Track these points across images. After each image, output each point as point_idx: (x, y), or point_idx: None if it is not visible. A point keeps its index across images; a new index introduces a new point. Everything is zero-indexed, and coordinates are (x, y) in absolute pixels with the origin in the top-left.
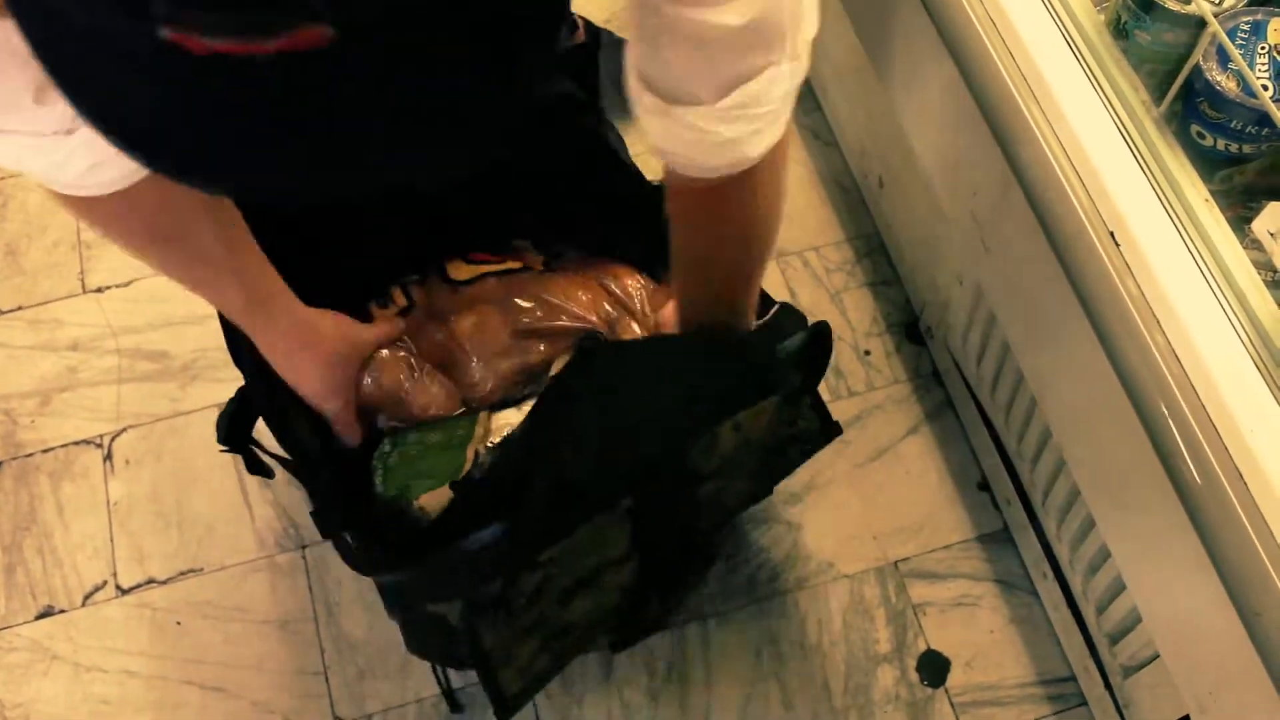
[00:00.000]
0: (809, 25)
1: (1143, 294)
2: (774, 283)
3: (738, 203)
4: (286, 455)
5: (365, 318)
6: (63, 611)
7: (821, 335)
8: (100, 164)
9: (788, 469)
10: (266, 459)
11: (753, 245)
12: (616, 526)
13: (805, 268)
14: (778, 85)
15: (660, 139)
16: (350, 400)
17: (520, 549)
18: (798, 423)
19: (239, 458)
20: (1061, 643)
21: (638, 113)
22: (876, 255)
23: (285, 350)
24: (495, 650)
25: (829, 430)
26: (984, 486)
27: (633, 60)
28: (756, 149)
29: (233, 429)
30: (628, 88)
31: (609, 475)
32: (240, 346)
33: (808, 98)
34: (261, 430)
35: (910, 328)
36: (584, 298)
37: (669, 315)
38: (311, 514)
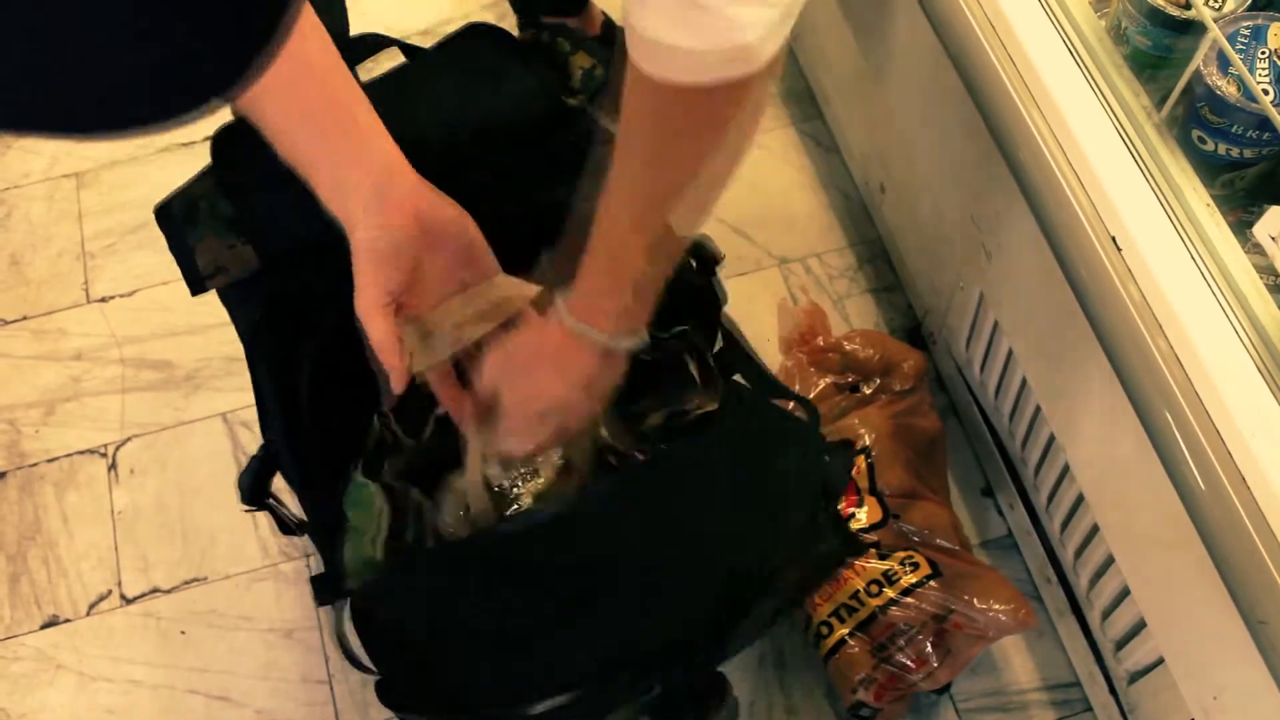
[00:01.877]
0: None
1: (1145, 299)
2: (777, 289)
3: (729, 109)
4: (304, 518)
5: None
6: (68, 621)
7: (848, 460)
8: None
9: (808, 593)
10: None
11: (715, 184)
12: (640, 710)
13: (808, 274)
14: None
15: (654, 31)
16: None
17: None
18: (820, 547)
19: (242, 462)
20: (1066, 648)
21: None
22: (879, 261)
23: (357, 184)
24: None
25: (854, 549)
26: (988, 492)
27: None
28: (765, 50)
29: (254, 488)
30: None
31: (643, 663)
32: (268, 407)
33: (809, 104)
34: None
35: (913, 333)
36: None
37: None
38: (311, 579)
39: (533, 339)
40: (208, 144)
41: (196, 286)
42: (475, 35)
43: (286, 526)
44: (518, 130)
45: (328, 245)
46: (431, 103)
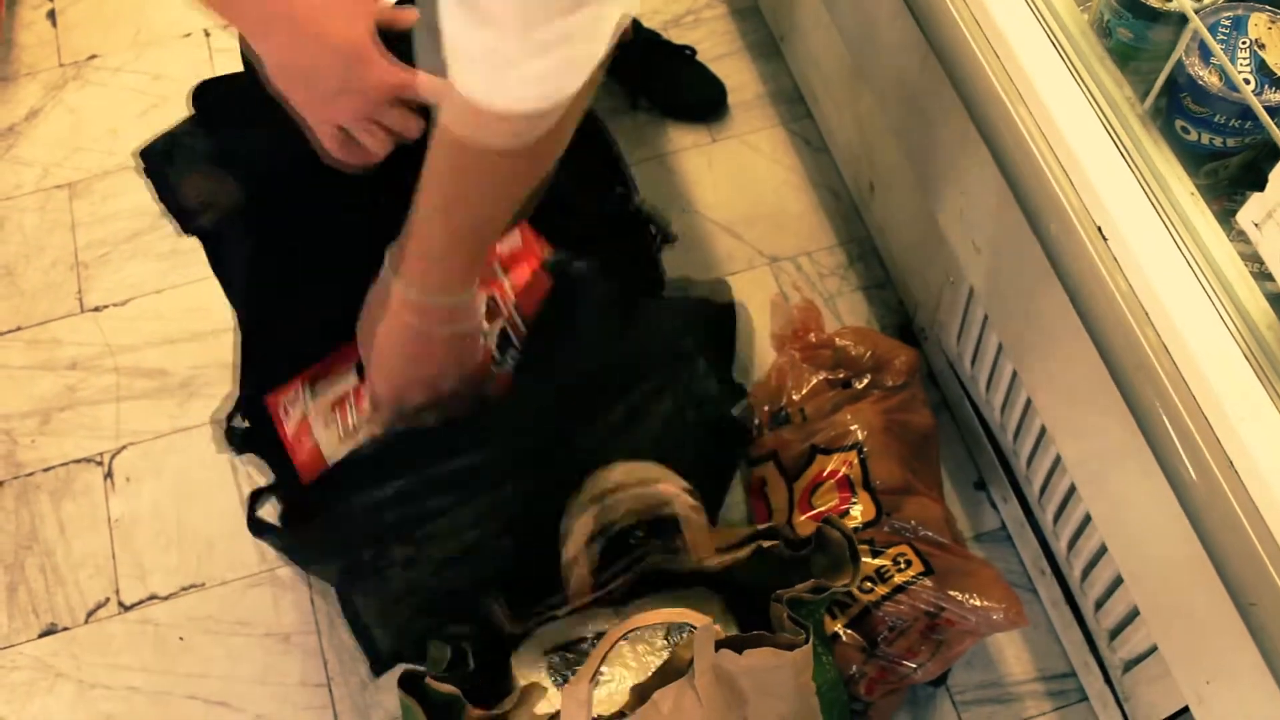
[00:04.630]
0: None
1: (1132, 289)
2: (768, 288)
3: (523, 164)
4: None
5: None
6: (66, 629)
7: (727, 310)
8: None
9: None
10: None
11: (524, 198)
12: (496, 508)
13: (799, 272)
14: (604, 22)
15: (461, 67)
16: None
17: (392, 523)
18: (699, 393)
19: (237, 474)
20: (1061, 639)
21: (447, 41)
22: (869, 259)
23: None
24: (366, 612)
25: (736, 394)
26: (981, 485)
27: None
28: (558, 89)
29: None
30: (442, 12)
31: (497, 458)
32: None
33: (798, 104)
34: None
35: (904, 330)
36: None
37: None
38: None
39: (376, 305)
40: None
41: (186, 221)
42: None
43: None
44: None
45: (307, 175)
46: None
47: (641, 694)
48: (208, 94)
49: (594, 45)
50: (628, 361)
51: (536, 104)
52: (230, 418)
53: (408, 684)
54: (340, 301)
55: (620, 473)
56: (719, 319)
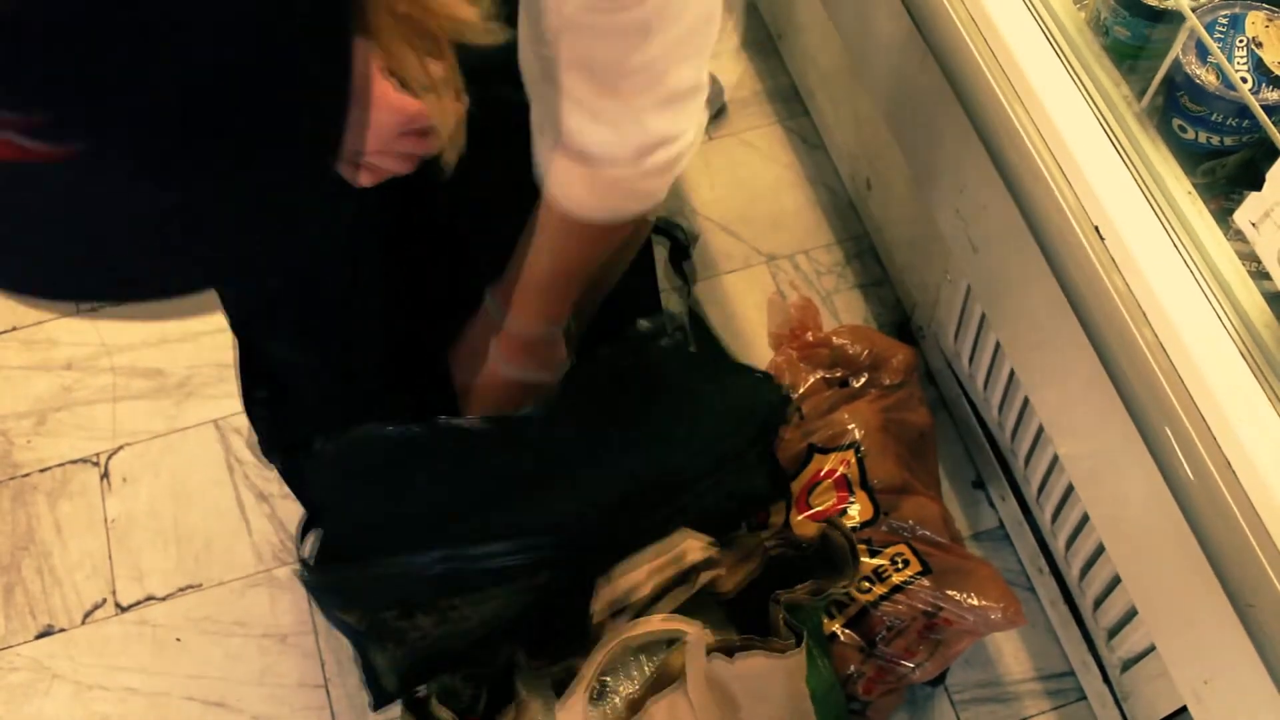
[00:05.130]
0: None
1: (1129, 288)
2: (765, 286)
3: (628, 229)
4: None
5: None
6: (63, 630)
7: (783, 403)
8: None
9: (728, 528)
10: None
11: (625, 260)
12: (530, 591)
13: (796, 270)
14: (690, 147)
15: (579, 195)
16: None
17: (423, 594)
18: (741, 479)
19: (234, 474)
20: (1060, 638)
21: (541, 166)
22: (866, 257)
23: None
24: (377, 658)
25: (776, 493)
26: (979, 484)
27: (542, 120)
28: (663, 193)
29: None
30: (535, 145)
31: (542, 551)
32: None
33: (795, 102)
34: None
35: (901, 328)
36: None
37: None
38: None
39: (476, 337)
40: None
41: None
42: None
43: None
44: (494, 75)
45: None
46: None
47: (633, 704)
48: None
49: (692, 137)
50: (684, 472)
51: (639, 210)
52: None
53: (412, 704)
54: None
55: (650, 556)
56: (771, 416)
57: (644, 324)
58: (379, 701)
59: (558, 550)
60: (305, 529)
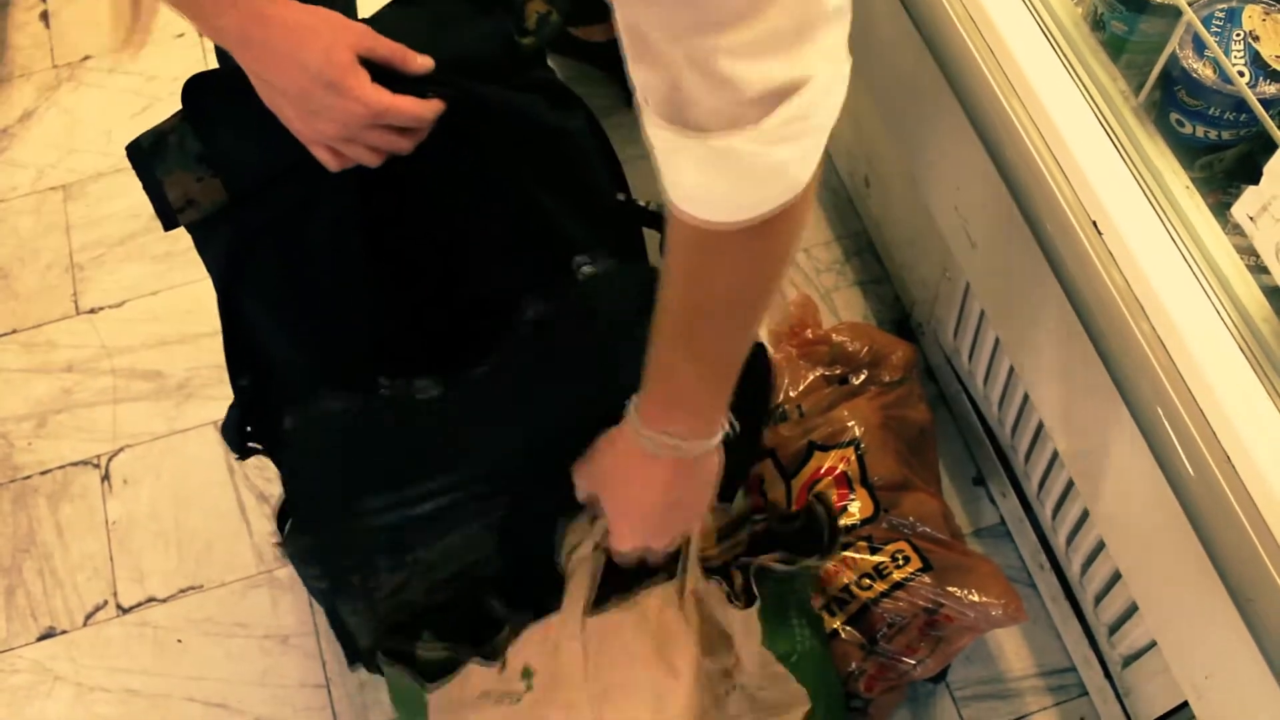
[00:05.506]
0: (835, 24)
1: (1127, 283)
2: None
3: (773, 241)
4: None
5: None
6: (64, 632)
7: (765, 369)
8: None
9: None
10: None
11: (767, 295)
12: (488, 529)
13: (795, 268)
14: (831, 94)
15: (692, 179)
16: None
17: (380, 548)
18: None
19: (235, 475)
20: (1061, 634)
21: (656, 153)
22: (865, 254)
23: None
24: (352, 621)
25: (755, 449)
26: (979, 481)
27: (646, 92)
28: (807, 171)
29: (239, 437)
30: (644, 124)
31: (485, 482)
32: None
33: None
34: None
35: (901, 325)
36: None
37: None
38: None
39: (617, 456)
40: None
41: (168, 221)
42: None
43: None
44: (474, 71)
45: (292, 178)
46: None
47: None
48: (198, 89)
49: (828, 80)
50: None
51: (778, 201)
52: (229, 422)
53: (392, 654)
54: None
55: None
56: (757, 380)
57: (585, 269)
58: (354, 661)
59: (506, 485)
60: (282, 510)
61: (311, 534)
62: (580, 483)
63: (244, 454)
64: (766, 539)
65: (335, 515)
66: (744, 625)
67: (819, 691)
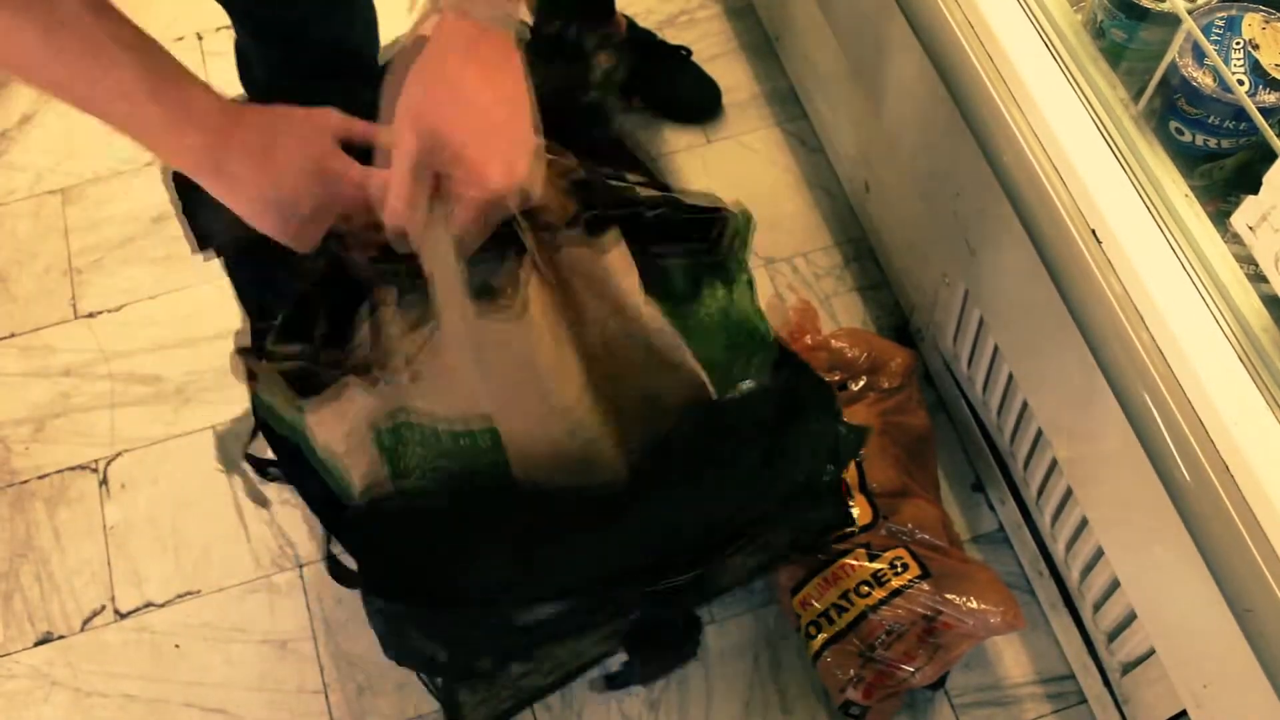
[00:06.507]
0: None
1: (1126, 291)
2: (764, 289)
3: None
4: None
5: None
6: (61, 637)
7: (859, 437)
8: None
9: (788, 559)
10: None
11: None
12: (613, 634)
13: (794, 273)
14: None
15: None
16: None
17: (523, 646)
18: (815, 515)
19: (233, 479)
20: (1060, 641)
21: None
22: (865, 259)
23: (207, 147)
24: (467, 705)
25: (845, 520)
26: (978, 487)
27: None
28: None
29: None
30: None
31: (633, 588)
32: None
33: (793, 105)
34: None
35: (900, 330)
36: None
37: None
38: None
39: (441, 47)
40: None
41: (203, 243)
42: None
43: (255, 493)
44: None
45: None
46: None
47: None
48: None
49: None
50: (767, 511)
51: None
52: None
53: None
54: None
55: None
56: (851, 445)
57: (747, 385)
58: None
59: (639, 593)
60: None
61: (446, 616)
62: (401, 130)
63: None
64: (659, 226)
65: (478, 608)
66: (617, 265)
67: (728, 359)
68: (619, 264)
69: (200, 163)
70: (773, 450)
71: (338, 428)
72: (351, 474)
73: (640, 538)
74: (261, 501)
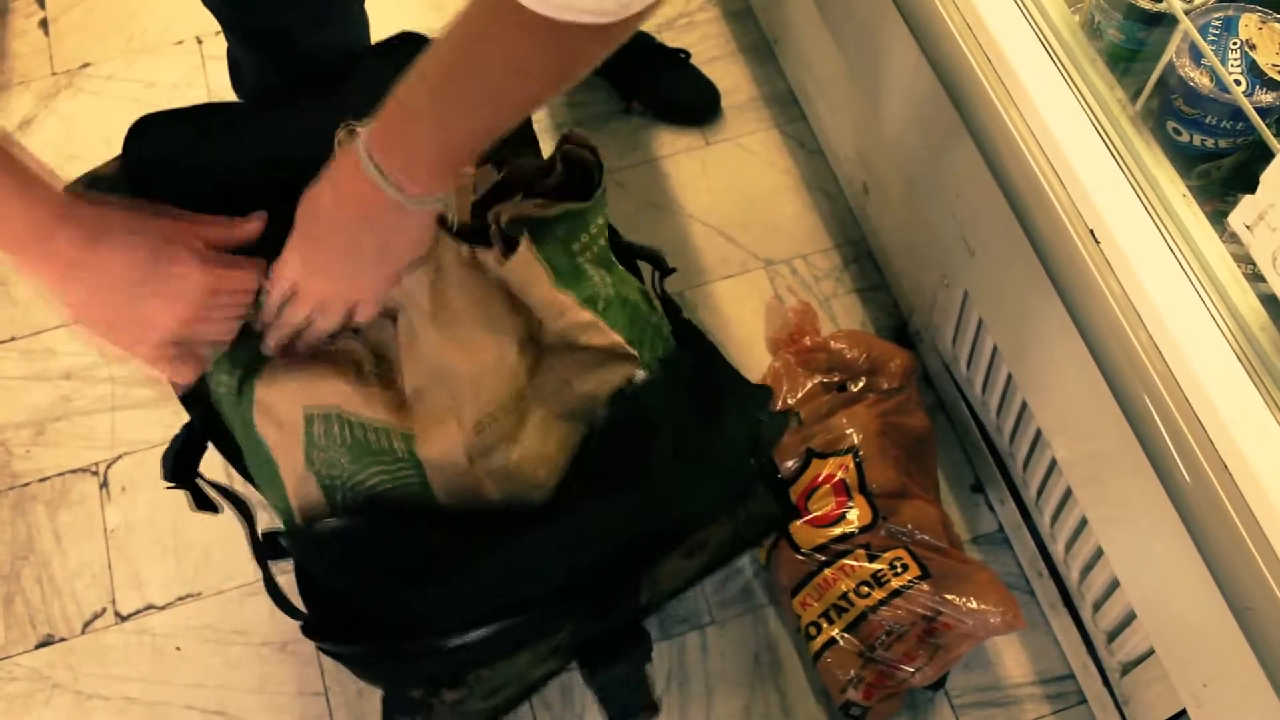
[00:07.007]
0: None
1: (1124, 291)
2: (763, 291)
3: (567, 54)
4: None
5: None
6: (62, 640)
7: (781, 420)
8: None
9: (735, 556)
10: (213, 494)
11: (551, 91)
12: (552, 653)
13: (794, 275)
14: None
15: None
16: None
17: (448, 670)
18: (750, 509)
19: (233, 475)
20: (1060, 641)
21: None
22: (864, 261)
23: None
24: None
25: (787, 515)
26: (978, 488)
27: None
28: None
29: (179, 465)
30: None
31: (561, 604)
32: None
33: (792, 107)
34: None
35: (899, 332)
36: None
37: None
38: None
39: (333, 182)
40: None
41: None
42: (413, 42)
43: (203, 502)
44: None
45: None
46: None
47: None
48: (141, 135)
49: None
50: (699, 513)
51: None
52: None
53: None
54: None
55: None
56: (772, 433)
57: (638, 376)
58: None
59: (577, 606)
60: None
61: (369, 650)
62: (278, 272)
63: (185, 486)
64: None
65: (397, 638)
66: (523, 273)
67: (636, 339)
68: (526, 265)
69: (27, 248)
70: (688, 447)
71: (279, 406)
72: (281, 473)
73: (560, 554)
74: (212, 508)
